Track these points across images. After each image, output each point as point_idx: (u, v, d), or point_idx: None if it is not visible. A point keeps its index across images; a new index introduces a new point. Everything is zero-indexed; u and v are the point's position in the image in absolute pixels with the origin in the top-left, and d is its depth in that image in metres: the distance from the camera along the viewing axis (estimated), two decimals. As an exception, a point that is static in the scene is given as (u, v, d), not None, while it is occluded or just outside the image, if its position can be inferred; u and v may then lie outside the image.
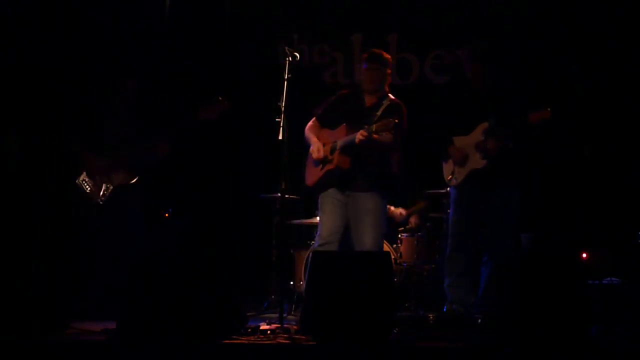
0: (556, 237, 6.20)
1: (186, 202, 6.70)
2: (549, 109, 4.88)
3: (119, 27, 6.64)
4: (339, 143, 5.10)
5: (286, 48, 4.99)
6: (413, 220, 6.59)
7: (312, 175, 5.26)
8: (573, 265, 4.49)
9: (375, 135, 4.87)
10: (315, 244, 5.29)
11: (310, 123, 5.34)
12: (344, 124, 5.13)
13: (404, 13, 7.02)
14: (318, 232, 5.27)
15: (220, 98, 5.51)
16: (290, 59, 4.92)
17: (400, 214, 6.59)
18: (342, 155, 5.08)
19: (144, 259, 4.41)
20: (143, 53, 6.68)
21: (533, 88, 6.28)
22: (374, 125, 4.86)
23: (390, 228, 6.48)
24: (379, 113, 5.13)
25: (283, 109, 4.82)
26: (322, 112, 5.33)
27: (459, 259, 5.26)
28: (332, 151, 5.14)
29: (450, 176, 5.33)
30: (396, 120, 4.79)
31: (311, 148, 5.20)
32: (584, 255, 5.42)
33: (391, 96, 5.25)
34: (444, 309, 5.34)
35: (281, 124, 4.80)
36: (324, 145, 5.17)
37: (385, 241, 6.18)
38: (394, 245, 6.29)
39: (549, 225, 6.33)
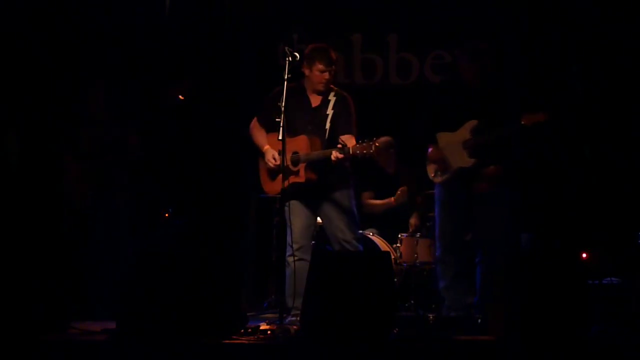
0: (556, 237, 6.19)
1: (186, 202, 6.70)
2: (543, 113, 4.82)
3: (119, 27, 6.63)
4: (304, 157, 4.95)
5: (286, 48, 4.98)
6: (413, 220, 6.58)
7: (273, 184, 5.10)
8: (573, 265, 4.49)
9: (351, 153, 4.78)
10: (287, 251, 5.10)
11: (253, 124, 5.20)
12: (304, 135, 4.99)
13: (404, 13, 7.01)
14: (289, 238, 5.06)
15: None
16: (290, 59, 4.90)
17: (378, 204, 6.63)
18: (311, 169, 4.96)
19: (144, 259, 4.40)
20: (143, 53, 6.67)
21: (531, 89, 6.27)
22: (351, 148, 4.74)
23: (391, 229, 6.49)
24: (328, 112, 5.07)
25: (283, 109, 4.80)
26: (263, 114, 5.16)
27: (451, 261, 5.15)
28: (295, 163, 4.98)
29: (433, 173, 5.27)
30: (377, 145, 4.67)
31: (266, 157, 5.05)
32: (584, 255, 5.42)
33: (333, 87, 5.18)
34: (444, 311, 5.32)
35: (281, 124, 4.77)
36: (279, 152, 4.91)
37: (385, 241, 6.20)
38: (394, 245, 6.28)
39: (549, 225, 6.32)
